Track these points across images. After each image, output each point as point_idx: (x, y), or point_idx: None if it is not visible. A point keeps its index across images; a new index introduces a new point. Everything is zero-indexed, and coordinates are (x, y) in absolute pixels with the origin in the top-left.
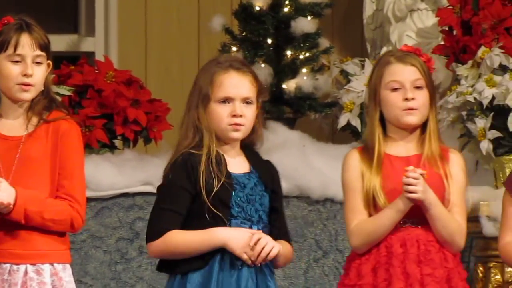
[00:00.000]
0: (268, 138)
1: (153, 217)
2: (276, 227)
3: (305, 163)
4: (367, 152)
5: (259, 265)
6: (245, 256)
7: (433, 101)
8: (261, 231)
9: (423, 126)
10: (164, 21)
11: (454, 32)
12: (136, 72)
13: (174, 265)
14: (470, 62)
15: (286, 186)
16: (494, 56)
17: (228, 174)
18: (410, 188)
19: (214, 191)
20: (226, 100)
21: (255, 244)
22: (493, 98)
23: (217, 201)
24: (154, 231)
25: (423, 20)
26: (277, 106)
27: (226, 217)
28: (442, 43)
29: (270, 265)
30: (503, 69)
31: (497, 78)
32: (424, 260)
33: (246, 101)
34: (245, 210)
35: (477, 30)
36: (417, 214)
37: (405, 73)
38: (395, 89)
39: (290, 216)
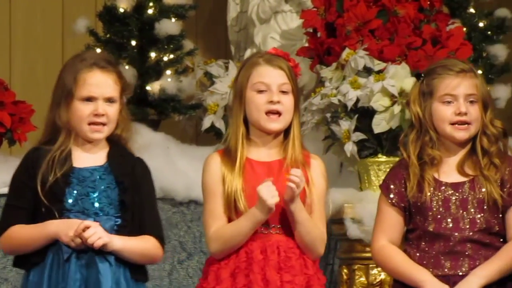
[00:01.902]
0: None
1: (1, 214)
2: (136, 222)
3: (169, 165)
4: (229, 155)
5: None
6: (72, 244)
7: (297, 107)
8: (96, 223)
9: (285, 131)
10: (28, 23)
11: (319, 34)
12: (0, 73)
13: (24, 261)
14: (334, 64)
15: None
16: (358, 58)
17: (69, 170)
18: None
19: (48, 185)
20: (89, 99)
21: (83, 232)
22: (358, 100)
23: (50, 195)
24: (0, 228)
25: (288, 22)
26: (141, 107)
27: (59, 210)
28: (307, 45)
29: (109, 259)
30: (367, 71)
31: (361, 80)
32: (285, 267)
33: (109, 100)
34: (80, 203)
35: (342, 32)
36: (278, 221)
37: (272, 76)
38: (261, 91)
39: None
